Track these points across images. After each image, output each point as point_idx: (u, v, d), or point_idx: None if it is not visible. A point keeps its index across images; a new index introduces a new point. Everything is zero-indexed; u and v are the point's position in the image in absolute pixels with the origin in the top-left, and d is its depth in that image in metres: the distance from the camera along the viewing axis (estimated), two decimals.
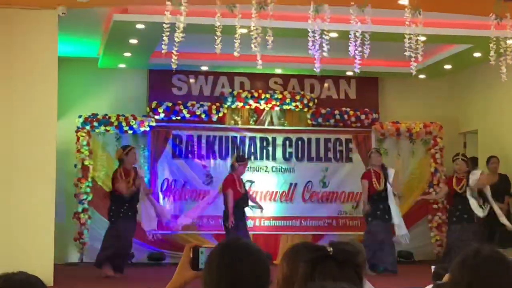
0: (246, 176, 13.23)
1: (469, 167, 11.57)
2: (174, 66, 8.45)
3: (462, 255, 2.55)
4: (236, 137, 13.48)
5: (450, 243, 11.20)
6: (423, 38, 8.97)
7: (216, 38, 8.25)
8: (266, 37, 8.31)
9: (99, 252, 11.07)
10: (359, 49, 8.61)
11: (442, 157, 13.74)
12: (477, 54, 11.95)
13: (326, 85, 14.08)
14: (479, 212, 11.05)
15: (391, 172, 11.72)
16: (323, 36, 8.38)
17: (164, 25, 8.19)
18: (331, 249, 2.47)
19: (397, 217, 11.48)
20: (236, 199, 11.42)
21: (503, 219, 11.18)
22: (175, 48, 8.31)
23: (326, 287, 1.75)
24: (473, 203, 11.08)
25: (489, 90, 13.07)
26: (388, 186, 11.57)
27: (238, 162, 11.73)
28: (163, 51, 8.45)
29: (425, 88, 14.27)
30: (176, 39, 8.21)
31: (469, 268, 2.46)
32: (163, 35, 8.24)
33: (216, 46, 8.30)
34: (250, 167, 13.35)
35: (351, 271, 2.47)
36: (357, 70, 8.80)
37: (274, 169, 13.57)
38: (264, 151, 13.58)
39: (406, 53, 8.65)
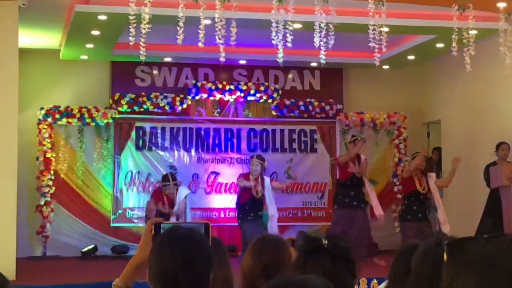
0: (210, 168, 13.24)
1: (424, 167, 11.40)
2: (142, 58, 8.38)
3: (423, 247, 2.53)
4: (200, 128, 13.43)
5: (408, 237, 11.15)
6: (386, 29, 9.00)
7: (179, 28, 8.19)
8: (230, 29, 8.27)
9: None
10: (324, 40, 8.60)
11: (406, 147, 13.84)
12: (440, 45, 12.02)
13: (290, 76, 14.08)
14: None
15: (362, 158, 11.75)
16: (287, 27, 8.37)
17: (130, 16, 8.11)
18: (326, 241, 2.48)
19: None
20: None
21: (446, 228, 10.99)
22: (142, 40, 8.24)
23: (292, 279, 1.73)
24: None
25: (452, 81, 13.16)
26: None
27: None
28: (130, 43, 8.37)
29: (389, 79, 14.33)
30: (142, 30, 8.14)
31: (431, 260, 2.44)
32: (130, 26, 8.16)
33: (178, 37, 8.24)
34: (215, 159, 13.35)
35: (343, 266, 2.47)
36: (322, 62, 8.80)
37: (238, 160, 13.54)
38: (229, 142, 13.55)
39: (370, 44, 8.67)
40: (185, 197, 11.97)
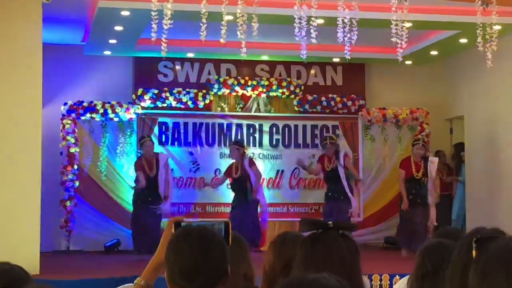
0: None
1: (425, 153, 11.90)
2: (164, 54, 8.40)
3: (463, 239, 2.55)
4: (222, 124, 13.45)
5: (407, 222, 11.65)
6: (409, 24, 8.96)
7: (202, 25, 8.20)
8: (252, 24, 8.27)
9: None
10: (348, 35, 8.59)
11: (428, 143, 13.76)
12: (463, 40, 11.96)
13: (312, 71, 14.07)
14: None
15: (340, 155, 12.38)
16: (310, 22, 8.36)
17: (152, 12, 8.14)
18: (330, 222, 2.57)
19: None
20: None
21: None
22: (164, 36, 8.26)
23: (306, 278, 1.75)
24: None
25: (475, 76, 13.08)
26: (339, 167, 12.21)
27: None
28: (152, 39, 8.40)
29: (412, 74, 14.28)
30: (164, 26, 8.16)
31: (465, 252, 2.46)
32: (152, 22, 8.18)
33: (201, 33, 8.25)
34: None
35: (353, 243, 2.55)
36: (347, 57, 8.80)
37: (261, 156, 13.55)
38: (251, 138, 13.56)
39: (393, 39, 8.64)
40: (165, 163, 11.97)
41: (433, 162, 11.82)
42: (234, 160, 12.45)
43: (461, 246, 2.47)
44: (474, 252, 1.74)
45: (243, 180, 12.27)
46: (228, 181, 12.64)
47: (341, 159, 12.29)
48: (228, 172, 12.52)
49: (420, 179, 11.65)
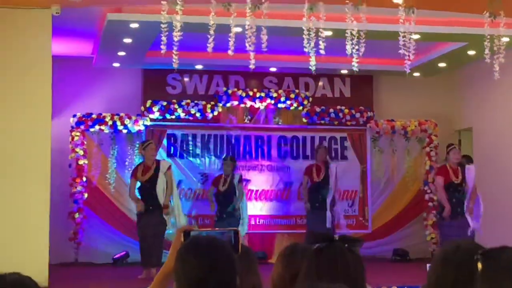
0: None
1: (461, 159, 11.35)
2: (175, 66, 8.40)
3: (440, 254, 2.56)
4: (231, 135, 13.47)
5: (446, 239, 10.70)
6: (416, 36, 8.97)
7: (209, 36, 8.23)
8: (261, 36, 8.29)
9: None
10: (355, 47, 8.59)
11: (437, 155, 13.76)
12: (471, 52, 11.96)
13: (320, 83, 14.09)
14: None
15: (332, 167, 12.58)
16: (319, 34, 8.37)
17: (162, 25, 8.16)
18: (336, 236, 2.58)
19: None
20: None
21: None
22: (175, 48, 8.27)
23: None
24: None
25: (483, 88, 13.08)
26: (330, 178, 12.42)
27: None
28: (162, 51, 8.42)
29: (420, 86, 14.28)
30: (174, 38, 8.18)
31: (453, 266, 2.46)
32: (162, 34, 8.21)
33: (208, 45, 8.27)
34: (246, 166, 13.38)
35: (359, 257, 2.55)
36: (355, 69, 8.80)
37: (269, 167, 13.56)
38: (259, 149, 13.57)
39: (400, 51, 8.64)
40: (168, 169, 11.38)
41: (471, 169, 11.10)
42: (223, 173, 12.50)
43: (443, 261, 2.48)
44: (480, 265, 1.74)
45: (228, 193, 12.28)
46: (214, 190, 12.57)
47: (333, 169, 12.46)
48: (215, 183, 12.53)
49: (460, 184, 11.01)
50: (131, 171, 11.86)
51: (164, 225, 11.12)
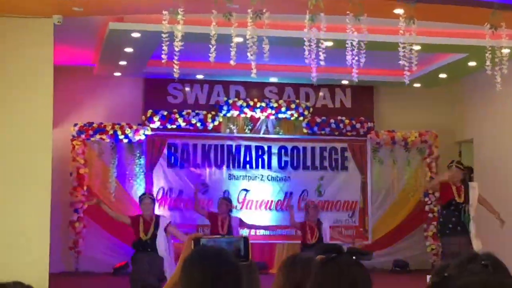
0: (241, 185, 13.27)
1: (464, 176, 11.04)
2: (176, 76, 8.41)
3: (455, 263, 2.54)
4: (231, 145, 13.48)
5: (449, 254, 10.31)
6: (417, 47, 8.97)
7: (211, 46, 8.24)
8: (263, 46, 8.30)
9: None
10: (356, 58, 8.60)
11: (437, 166, 13.75)
12: (472, 63, 11.98)
13: (321, 94, 14.11)
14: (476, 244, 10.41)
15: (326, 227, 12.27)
16: (319, 44, 8.38)
17: (163, 34, 8.18)
18: (345, 247, 2.57)
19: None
20: None
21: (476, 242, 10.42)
22: (176, 57, 8.28)
23: None
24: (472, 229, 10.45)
25: (484, 99, 13.08)
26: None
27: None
28: (163, 61, 8.43)
29: (421, 97, 14.29)
30: (175, 48, 8.19)
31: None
32: (163, 44, 8.22)
33: (210, 55, 8.28)
34: (246, 176, 13.38)
35: (366, 271, 2.55)
36: (355, 79, 8.80)
37: (269, 177, 13.56)
38: (260, 159, 13.58)
39: (401, 62, 8.65)
40: (167, 226, 10.49)
41: (474, 187, 10.64)
42: (219, 212, 12.05)
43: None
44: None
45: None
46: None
47: (326, 230, 12.18)
48: (213, 222, 12.01)
49: (461, 204, 10.46)
50: (130, 217, 10.86)
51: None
